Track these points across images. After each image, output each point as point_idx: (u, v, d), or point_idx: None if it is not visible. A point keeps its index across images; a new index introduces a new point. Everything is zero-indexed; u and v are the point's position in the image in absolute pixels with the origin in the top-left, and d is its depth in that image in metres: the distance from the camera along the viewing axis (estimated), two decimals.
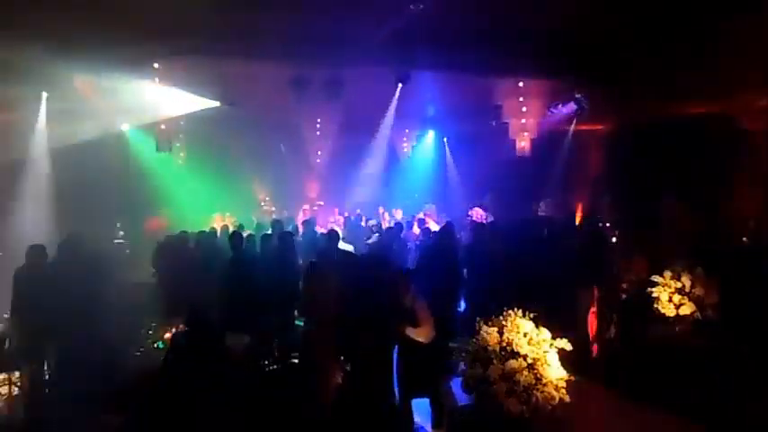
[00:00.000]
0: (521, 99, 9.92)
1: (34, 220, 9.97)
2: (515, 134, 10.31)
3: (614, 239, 10.00)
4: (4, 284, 6.49)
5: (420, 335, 5.12)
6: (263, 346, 6.43)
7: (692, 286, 6.32)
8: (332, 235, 8.13)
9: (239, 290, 6.84)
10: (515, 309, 4.42)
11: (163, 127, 9.96)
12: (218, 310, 6.47)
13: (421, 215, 12.63)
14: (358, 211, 13.29)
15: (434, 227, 10.67)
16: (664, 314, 6.39)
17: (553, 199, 12.74)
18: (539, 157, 11.26)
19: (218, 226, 10.62)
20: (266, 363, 6.44)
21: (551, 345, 4.25)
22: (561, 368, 4.21)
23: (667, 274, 6.51)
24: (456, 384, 4.80)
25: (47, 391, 6.22)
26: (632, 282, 7.13)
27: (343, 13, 7.10)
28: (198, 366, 5.05)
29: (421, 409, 6.31)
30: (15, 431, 5.62)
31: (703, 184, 9.33)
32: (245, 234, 8.14)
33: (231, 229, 10.13)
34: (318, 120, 12.52)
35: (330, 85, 8.86)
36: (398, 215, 13.43)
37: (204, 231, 9.25)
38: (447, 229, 7.93)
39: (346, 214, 13.04)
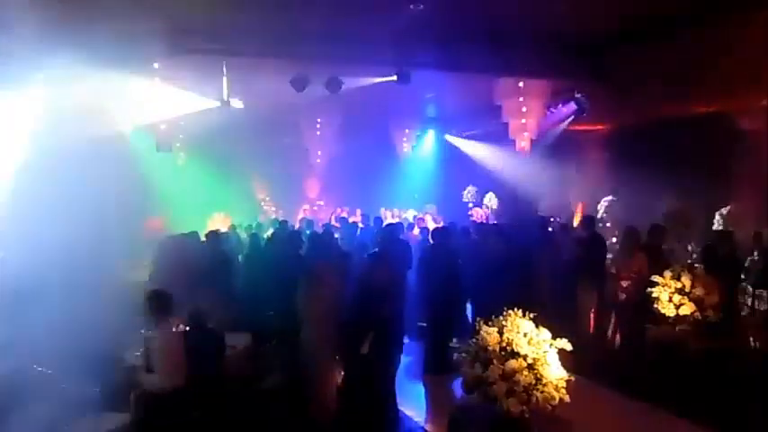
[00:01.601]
0: (521, 99, 9.91)
1: (35, 221, 9.95)
2: (515, 134, 10.29)
3: (614, 239, 10.01)
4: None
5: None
6: (262, 346, 6.43)
7: (692, 286, 6.32)
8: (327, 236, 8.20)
9: (219, 288, 7.03)
10: (515, 309, 4.42)
11: (163, 127, 9.96)
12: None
13: (421, 215, 12.64)
14: (359, 211, 13.28)
15: (433, 227, 10.68)
16: (664, 314, 6.39)
17: (553, 199, 12.75)
18: (539, 157, 11.25)
19: (219, 225, 10.69)
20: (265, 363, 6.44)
21: (551, 345, 4.24)
22: (561, 368, 4.20)
23: (667, 274, 6.51)
24: (456, 384, 4.79)
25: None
26: (633, 279, 7.13)
27: (344, 13, 7.11)
28: (198, 366, 5.06)
29: (420, 407, 6.34)
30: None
31: (703, 184, 9.33)
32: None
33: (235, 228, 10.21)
34: (318, 119, 12.54)
35: (330, 84, 8.86)
36: (410, 216, 13.18)
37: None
38: (442, 231, 7.96)
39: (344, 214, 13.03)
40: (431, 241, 8.02)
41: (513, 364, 4.12)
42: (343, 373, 5.46)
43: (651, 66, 8.39)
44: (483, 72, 9.35)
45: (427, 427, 5.87)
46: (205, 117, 10.05)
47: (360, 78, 9.08)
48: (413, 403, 6.37)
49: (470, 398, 4.30)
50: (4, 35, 6.65)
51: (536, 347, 4.20)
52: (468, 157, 14.15)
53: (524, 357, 4.15)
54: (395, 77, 8.69)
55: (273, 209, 14.66)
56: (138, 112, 9.82)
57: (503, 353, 4.20)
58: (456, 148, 15.06)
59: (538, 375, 4.11)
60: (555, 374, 4.14)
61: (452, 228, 8.82)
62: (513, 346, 4.19)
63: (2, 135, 9.32)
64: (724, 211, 8.97)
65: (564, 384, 4.13)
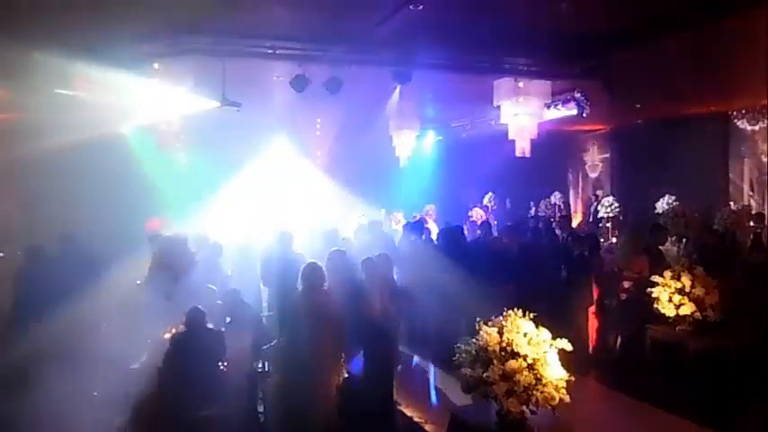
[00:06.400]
0: (521, 99, 9.90)
1: (36, 220, 9.96)
2: (515, 135, 10.28)
3: (614, 240, 10.03)
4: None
5: None
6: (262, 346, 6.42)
7: (692, 286, 6.32)
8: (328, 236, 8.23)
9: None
10: (515, 309, 4.42)
11: (163, 127, 9.94)
12: None
13: (421, 215, 12.60)
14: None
15: (434, 227, 10.68)
16: (664, 314, 6.40)
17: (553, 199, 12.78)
18: (539, 157, 11.26)
19: None
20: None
21: (551, 345, 4.24)
22: (561, 368, 4.20)
23: (667, 274, 6.51)
24: (456, 384, 4.78)
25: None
26: (633, 280, 7.14)
27: (344, 12, 7.11)
28: (198, 366, 5.06)
29: (420, 407, 6.34)
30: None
31: (703, 183, 9.35)
32: None
33: None
34: (318, 119, 12.52)
35: (330, 84, 8.85)
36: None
37: None
38: (449, 231, 7.99)
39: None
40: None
41: (513, 364, 4.11)
42: (343, 375, 5.46)
43: (651, 66, 8.39)
44: (482, 72, 9.34)
45: (427, 427, 5.87)
46: (205, 117, 10.04)
47: (360, 78, 9.07)
48: (413, 403, 6.36)
49: (470, 398, 4.30)
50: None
51: (536, 348, 4.19)
52: (468, 157, 14.15)
53: (524, 357, 4.15)
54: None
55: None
56: (139, 112, 9.82)
57: (503, 353, 4.20)
58: (456, 148, 15.05)
59: (538, 375, 4.10)
60: (555, 374, 4.14)
61: (450, 231, 8.81)
62: (513, 346, 4.19)
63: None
64: (724, 210, 8.97)
65: (564, 384, 4.13)
